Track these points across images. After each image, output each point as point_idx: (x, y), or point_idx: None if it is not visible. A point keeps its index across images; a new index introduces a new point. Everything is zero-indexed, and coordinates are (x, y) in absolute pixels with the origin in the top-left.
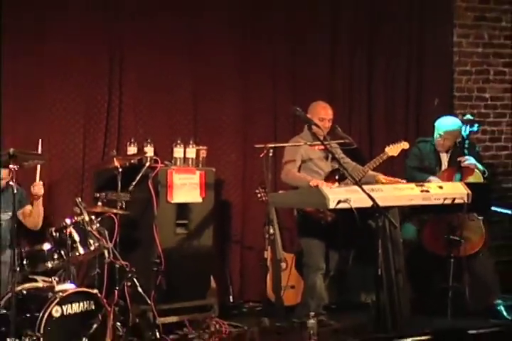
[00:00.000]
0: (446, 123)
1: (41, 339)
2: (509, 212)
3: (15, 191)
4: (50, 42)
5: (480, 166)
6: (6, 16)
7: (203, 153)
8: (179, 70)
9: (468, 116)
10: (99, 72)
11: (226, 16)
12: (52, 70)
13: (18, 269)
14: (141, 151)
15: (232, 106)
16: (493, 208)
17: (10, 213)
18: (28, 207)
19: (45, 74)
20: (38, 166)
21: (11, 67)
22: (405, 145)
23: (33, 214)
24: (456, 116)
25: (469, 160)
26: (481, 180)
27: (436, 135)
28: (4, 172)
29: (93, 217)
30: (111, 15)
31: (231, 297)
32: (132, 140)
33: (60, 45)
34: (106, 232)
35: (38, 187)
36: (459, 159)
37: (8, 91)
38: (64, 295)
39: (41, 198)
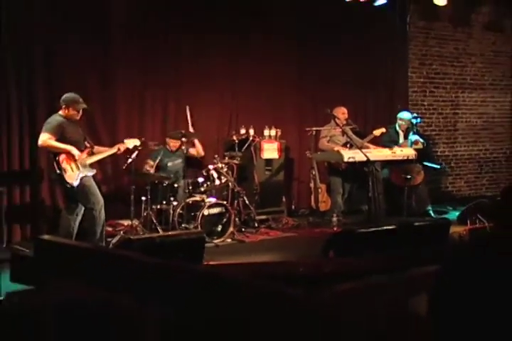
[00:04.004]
0: (403, 115)
1: (199, 226)
2: (433, 165)
3: (185, 151)
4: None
5: (421, 140)
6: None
7: (279, 133)
8: (261, 92)
9: (415, 115)
10: (226, 87)
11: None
12: (204, 84)
13: (187, 191)
14: (247, 131)
15: (294, 109)
16: (424, 163)
17: (180, 163)
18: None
19: (201, 88)
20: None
21: (191, 86)
22: (383, 130)
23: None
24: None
25: (416, 137)
26: (421, 147)
27: (398, 121)
28: (177, 141)
29: (223, 165)
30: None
31: (293, 206)
32: (243, 126)
33: (214, 78)
34: (230, 173)
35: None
36: (409, 138)
37: (187, 99)
38: (210, 204)
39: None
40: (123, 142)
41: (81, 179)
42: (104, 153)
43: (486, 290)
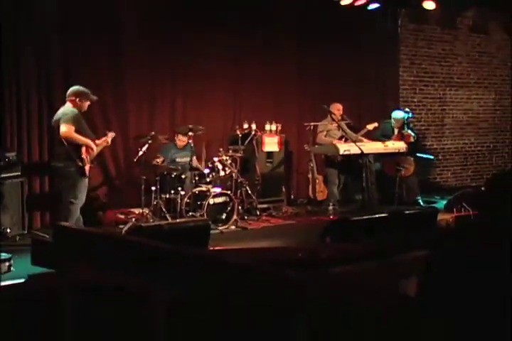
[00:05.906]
0: (395, 115)
1: (204, 214)
2: (427, 156)
3: (191, 146)
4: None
5: (413, 134)
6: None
7: (279, 127)
8: (263, 90)
9: (407, 109)
10: (229, 85)
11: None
12: (209, 82)
13: (193, 181)
14: (250, 126)
15: (293, 105)
16: (417, 154)
17: (188, 158)
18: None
19: (206, 86)
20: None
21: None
22: (376, 124)
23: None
24: (401, 110)
25: (408, 131)
26: (412, 140)
27: (392, 120)
28: (184, 138)
29: (227, 158)
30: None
31: (292, 195)
32: (245, 121)
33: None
34: (234, 165)
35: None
36: (402, 131)
37: (193, 96)
38: (215, 193)
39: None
40: (107, 135)
41: None
42: (100, 146)
43: (470, 279)
